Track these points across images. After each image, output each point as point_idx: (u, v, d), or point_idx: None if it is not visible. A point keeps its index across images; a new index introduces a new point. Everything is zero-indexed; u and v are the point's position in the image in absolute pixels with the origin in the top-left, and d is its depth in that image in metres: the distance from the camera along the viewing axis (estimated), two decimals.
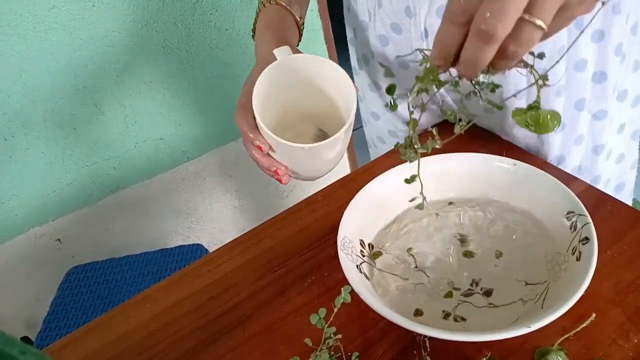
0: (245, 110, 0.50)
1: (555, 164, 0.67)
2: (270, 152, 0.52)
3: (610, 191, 0.72)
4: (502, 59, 0.33)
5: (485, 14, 0.29)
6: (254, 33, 0.59)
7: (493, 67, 0.34)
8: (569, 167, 0.67)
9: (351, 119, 0.50)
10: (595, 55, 0.59)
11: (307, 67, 0.53)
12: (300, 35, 0.61)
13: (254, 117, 0.49)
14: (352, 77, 0.87)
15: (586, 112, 0.63)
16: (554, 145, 0.66)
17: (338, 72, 0.52)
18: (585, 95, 0.62)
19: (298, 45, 0.59)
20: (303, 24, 0.62)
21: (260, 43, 0.56)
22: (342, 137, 0.50)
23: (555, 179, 0.56)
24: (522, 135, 0.67)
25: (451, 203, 0.61)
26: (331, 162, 0.55)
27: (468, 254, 0.55)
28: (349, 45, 0.81)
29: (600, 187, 0.70)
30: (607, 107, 0.63)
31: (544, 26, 0.30)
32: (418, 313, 0.50)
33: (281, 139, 0.48)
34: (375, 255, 0.57)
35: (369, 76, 0.78)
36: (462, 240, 0.57)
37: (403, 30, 0.64)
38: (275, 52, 0.51)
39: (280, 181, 0.53)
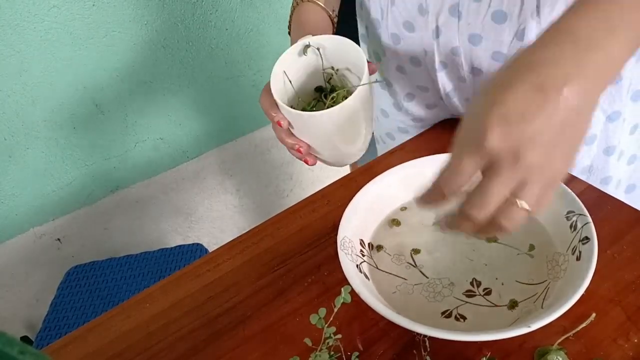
0: (267, 92, 0.53)
1: None
2: (292, 130, 0.53)
3: (620, 192, 0.71)
4: (492, 229, 0.36)
5: (469, 205, 0.34)
6: (290, 30, 0.62)
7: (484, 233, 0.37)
8: (578, 167, 0.67)
9: (362, 89, 0.50)
10: None
11: (325, 47, 0.54)
12: (334, 29, 0.63)
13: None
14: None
15: (600, 113, 0.63)
16: None
17: (347, 45, 0.53)
18: None
19: None
20: (337, 17, 0.63)
21: (294, 40, 0.57)
22: (351, 106, 0.49)
23: None
24: None
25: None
26: (351, 141, 0.54)
27: (468, 254, 0.55)
28: (361, 41, 0.81)
29: (611, 188, 0.69)
30: (621, 108, 0.62)
31: (528, 208, 0.34)
32: (418, 313, 0.50)
33: (292, 109, 0.50)
34: (378, 248, 0.57)
35: (379, 74, 0.78)
36: (462, 240, 0.57)
37: (416, 28, 0.64)
38: (299, 41, 0.54)
39: (306, 162, 0.54)
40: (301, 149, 0.53)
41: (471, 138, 0.33)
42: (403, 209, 0.61)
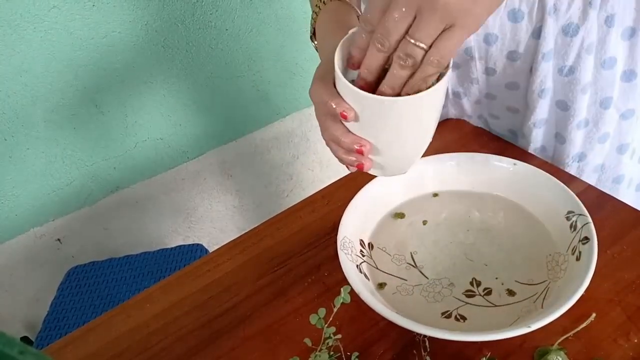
0: (322, 81, 0.44)
1: (576, 162, 0.66)
2: (350, 125, 0.44)
3: (632, 191, 0.70)
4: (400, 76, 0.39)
5: (377, 32, 0.37)
6: (313, 34, 0.56)
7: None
8: (590, 165, 0.66)
9: (445, 79, 0.41)
10: (626, 53, 0.58)
11: None
12: None
13: (334, 85, 0.43)
14: None
15: (613, 111, 0.62)
16: (576, 142, 0.64)
17: None
18: (612, 93, 0.60)
19: None
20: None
21: (326, 40, 0.52)
22: (439, 93, 0.42)
23: (555, 179, 0.56)
24: (541, 136, 0.67)
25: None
26: (424, 137, 0.46)
27: (468, 254, 0.55)
28: None
29: (622, 186, 0.69)
30: (635, 106, 0.62)
31: (424, 47, 0.36)
32: (418, 313, 0.50)
33: (370, 94, 0.41)
34: (378, 248, 0.57)
35: None
36: (462, 240, 0.57)
37: None
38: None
39: (361, 168, 0.46)
40: (364, 148, 0.44)
41: None
42: (403, 209, 0.61)
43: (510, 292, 0.50)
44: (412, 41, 0.36)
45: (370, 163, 0.46)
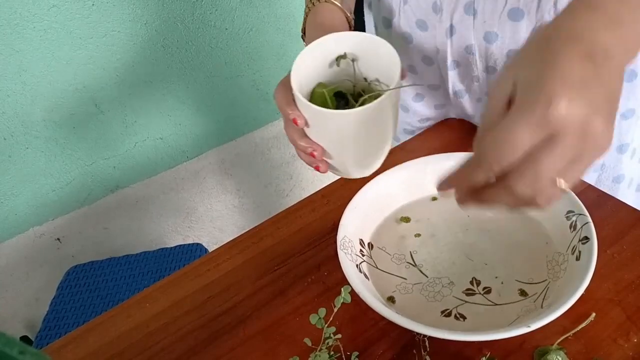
0: (284, 86, 0.48)
1: None
2: (307, 131, 0.48)
3: (632, 191, 0.70)
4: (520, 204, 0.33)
5: (519, 181, 0.31)
6: (304, 33, 0.58)
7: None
8: None
9: (393, 93, 0.45)
10: None
11: (351, 44, 0.49)
12: (351, 30, 0.59)
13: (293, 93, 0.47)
14: None
15: None
16: None
17: (380, 45, 0.47)
18: None
19: None
20: (353, 18, 0.60)
21: (310, 41, 0.52)
22: (381, 108, 0.44)
23: None
24: None
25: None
26: (372, 149, 0.49)
27: (468, 254, 0.55)
28: None
29: (623, 186, 0.68)
30: (635, 106, 0.62)
31: (567, 189, 0.32)
32: (418, 312, 0.50)
33: (313, 104, 0.44)
34: (378, 248, 0.57)
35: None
36: (462, 239, 0.57)
37: (429, 27, 0.64)
38: (325, 37, 0.49)
39: (317, 169, 0.49)
40: (315, 152, 0.48)
41: (529, 105, 0.30)
42: (403, 208, 0.61)
43: (510, 292, 0.50)
44: (561, 186, 0.32)
45: (325, 166, 0.50)
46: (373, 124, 0.46)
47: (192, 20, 1.19)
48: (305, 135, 0.48)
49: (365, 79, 0.50)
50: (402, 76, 0.46)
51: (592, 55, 0.30)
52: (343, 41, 0.49)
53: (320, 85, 0.50)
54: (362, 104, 0.46)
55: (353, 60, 0.49)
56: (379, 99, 0.44)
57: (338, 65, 0.49)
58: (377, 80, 0.49)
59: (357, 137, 0.47)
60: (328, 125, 0.46)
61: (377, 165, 0.52)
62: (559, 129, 0.29)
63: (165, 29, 1.17)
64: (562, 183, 0.31)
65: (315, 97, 0.49)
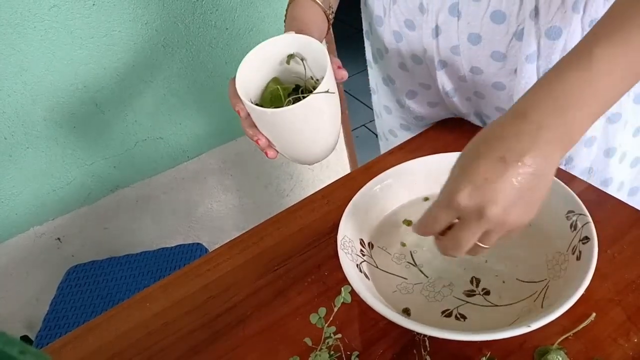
0: (234, 81, 0.53)
1: (562, 165, 0.67)
2: (255, 121, 0.53)
3: (623, 195, 0.70)
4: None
5: (446, 245, 0.43)
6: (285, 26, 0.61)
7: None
8: (577, 168, 0.67)
9: (319, 96, 0.48)
10: None
11: (291, 46, 0.54)
12: (329, 26, 0.62)
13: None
14: (366, 71, 0.85)
15: None
16: None
17: (313, 46, 0.52)
18: None
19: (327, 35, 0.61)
20: (333, 13, 0.62)
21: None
22: (309, 105, 0.48)
23: (555, 178, 0.56)
24: None
25: None
26: (308, 143, 0.53)
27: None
28: (365, 38, 0.81)
29: (612, 190, 0.69)
30: (621, 110, 0.62)
31: (488, 247, 0.42)
32: (418, 312, 0.50)
33: (247, 101, 0.49)
34: (378, 247, 0.57)
35: (382, 70, 0.78)
36: None
37: (416, 26, 0.65)
38: (284, 34, 0.53)
39: (267, 155, 0.54)
40: (260, 141, 0.53)
41: (446, 196, 0.40)
42: (403, 208, 0.61)
43: (511, 292, 0.50)
44: (482, 245, 0.42)
45: (273, 152, 0.54)
46: (304, 121, 0.50)
47: (192, 20, 1.19)
48: (254, 125, 0.53)
49: (312, 77, 0.54)
50: (340, 76, 0.51)
51: (505, 159, 0.38)
52: (281, 43, 0.54)
53: (274, 80, 0.54)
54: (297, 99, 0.51)
55: (302, 60, 0.54)
56: (301, 102, 0.48)
57: (288, 63, 0.54)
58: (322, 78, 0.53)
59: (291, 131, 0.51)
60: (261, 120, 0.51)
61: (323, 155, 0.55)
62: (461, 213, 0.39)
63: (166, 29, 1.17)
64: (484, 245, 0.41)
65: (267, 91, 0.54)
